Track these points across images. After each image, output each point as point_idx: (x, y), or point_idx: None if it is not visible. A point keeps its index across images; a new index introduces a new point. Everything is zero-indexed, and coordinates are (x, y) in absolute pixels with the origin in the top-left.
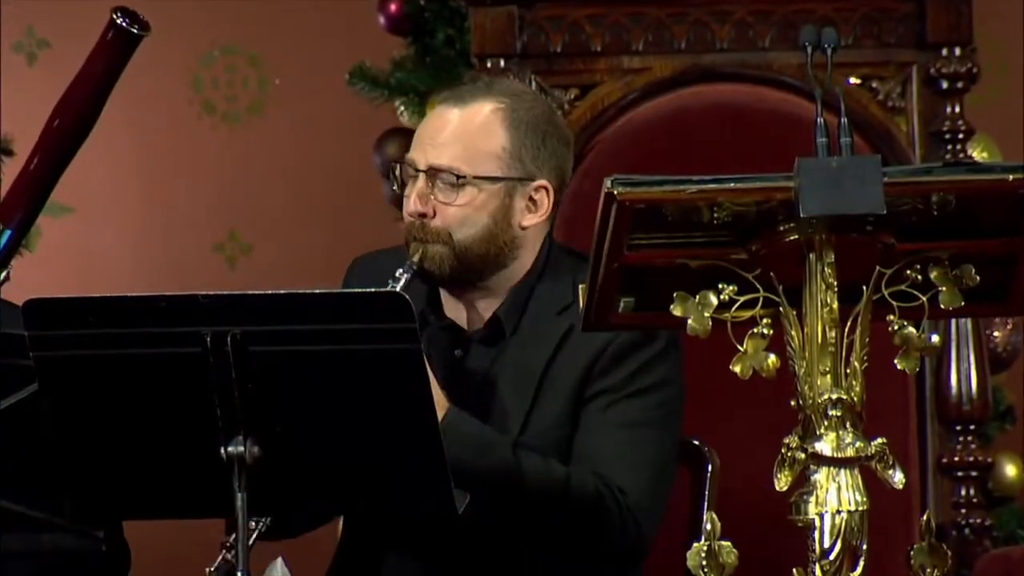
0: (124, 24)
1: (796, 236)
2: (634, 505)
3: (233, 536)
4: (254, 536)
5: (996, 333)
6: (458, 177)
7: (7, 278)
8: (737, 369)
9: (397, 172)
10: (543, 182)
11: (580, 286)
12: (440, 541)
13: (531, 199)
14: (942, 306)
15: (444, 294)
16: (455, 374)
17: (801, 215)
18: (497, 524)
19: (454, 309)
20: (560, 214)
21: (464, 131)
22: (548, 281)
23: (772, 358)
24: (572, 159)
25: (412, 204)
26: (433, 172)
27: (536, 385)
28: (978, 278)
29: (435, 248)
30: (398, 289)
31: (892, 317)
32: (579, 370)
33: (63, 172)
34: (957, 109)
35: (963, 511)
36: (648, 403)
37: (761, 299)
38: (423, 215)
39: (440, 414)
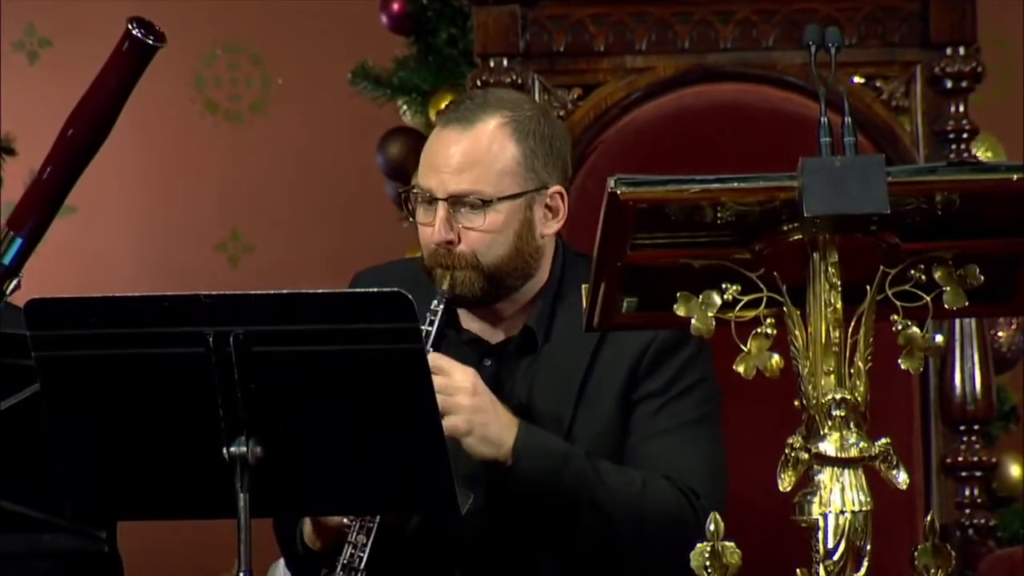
0: (139, 35)
1: (800, 236)
2: (708, 506)
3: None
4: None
5: (1000, 333)
6: (484, 202)
7: (19, 285)
8: (741, 369)
9: (408, 200)
10: (557, 187)
11: (584, 286)
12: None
13: (547, 207)
14: (946, 306)
15: (463, 311)
16: (489, 386)
17: (805, 215)
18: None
19: (471, 321)
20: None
21: (477, 153)
22: (571, 285)
23: (776, 358)
24: (572, 152)
25: (438, 233)
26: (455, 199)
27: (577, 392)
28: (982, 278)
29: (463, 273)
30: (436, 323)
31: (896, 317)
32: (621, 375)
33: (75, 182)
34: (961, 108)
35: (967, 511)
36: (696, 401)
37: (765, 299)
38: (449, 242)
39: (512, 432)
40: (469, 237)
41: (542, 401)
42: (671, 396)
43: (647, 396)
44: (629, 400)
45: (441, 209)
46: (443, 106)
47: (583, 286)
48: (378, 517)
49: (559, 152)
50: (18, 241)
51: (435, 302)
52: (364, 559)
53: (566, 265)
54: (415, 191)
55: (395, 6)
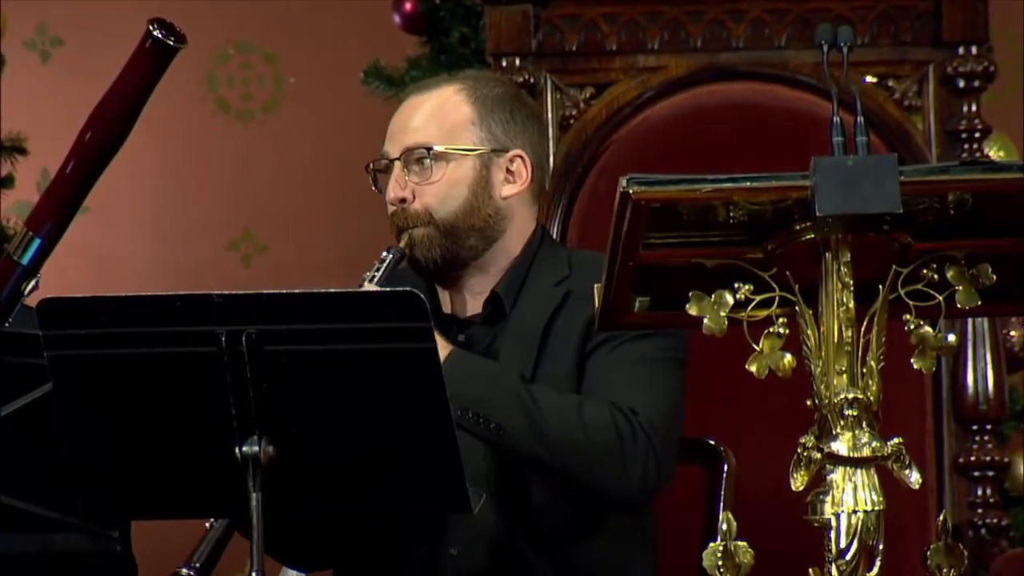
0: (160, 36)
1: (812, 235)
2: (647, 423)
3: None
4: None
5: (1013, 332)
6: (428, 150)
7: (36, 286)
8: (753, 368)
9: (371, 170)
10: (518, 151)
11: (596, 286)
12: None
13: (508, 170)
14: (959, 305)
15: (441, 291)
16: None
17: (817, 214)
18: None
19: (450, 303)
20: (575, 213)
21: (431, 112)
22: (543, 260)
23: (788, 357)
24: (547, 139)
25: (392, 190)
26: (406, 153)
27: (538, 344)
28: (994, 277)
29: (420, 231)
30: (381, 269)
31: (908, 316)
32: (581, 326)
33: (94, 184)
34: (973, 108)
35: (979, 511)
36: (656, 344)
37: (777, 298)
38: (403, 200)
39: (443, 354)
40: (423, 193)
41: (505, 357)
42: (629, 338)
43: (605, 341)
44: (585, 350)
45: (396, 169)
46: None
47: (595, 285)
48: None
49: (524, 124)
50: (37, 241)
51: (384, 253)
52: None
53: (542, 245)
54: (378, 162)
55: (408, 5)
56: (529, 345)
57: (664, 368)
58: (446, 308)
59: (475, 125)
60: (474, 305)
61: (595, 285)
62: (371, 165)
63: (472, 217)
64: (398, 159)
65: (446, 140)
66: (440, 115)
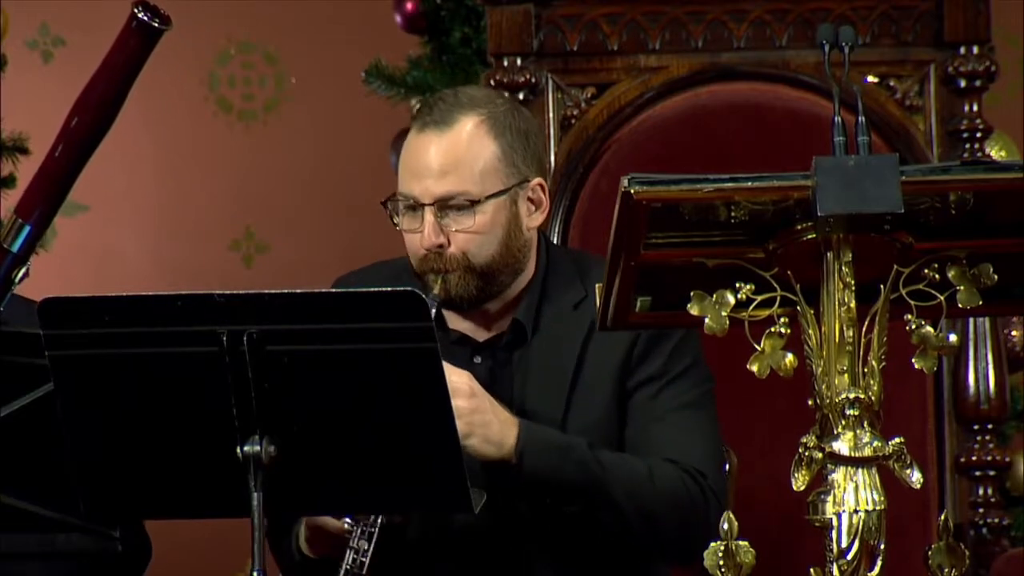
0: (145, 18)
1: (814, 235)
2: (714, 484)
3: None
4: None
5: (1014, 332)
6: (471, 202)
7: (27, 274)
8: (754, 368)
9: (389, 209)
10: (538, 179)
11: (597, 285)
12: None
13: (530, 199)
14: (960, 305)
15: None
16: (482, 383)
17: (818, 214)
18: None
19: (459, 321)
20: (576, 213)
21: (458, 154)
22: (554, 277)
23: (790, 357)
24: (546, 145)
25: (428, 238)
26: (442, 202)
27: (571, 383)
28: (996, 277)
29: (456, 275)
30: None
31: (910, 316)
32: (615, 362)
33: (83, 168)
34: (975, 108)
35: (981, 511)
36: (691, 384)
37: (778, 298)
38: (440, 246)
39: (513, 430)
40: (459, 239)
41: (535, 393)
42: (667, 380)
43: (644, 382)
44: (624, 387)
45: (428, 214)
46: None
47: (596, 285)
48: (380, 520)
49: (535, 145)
50: (26, 228)
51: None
52: (367, 564)
53: (550, 258)
54: (399, 199)
55: (409, 5)
56: (560, 385)
57: (707, 410)
58: (452, 324)
59: (501, 162)
60: (485, 328)
61: (596, 284)
62: (389, 205)
63: (507, 256)
64: (431, 205)
65: (480, 186)
66: (469, 158)
